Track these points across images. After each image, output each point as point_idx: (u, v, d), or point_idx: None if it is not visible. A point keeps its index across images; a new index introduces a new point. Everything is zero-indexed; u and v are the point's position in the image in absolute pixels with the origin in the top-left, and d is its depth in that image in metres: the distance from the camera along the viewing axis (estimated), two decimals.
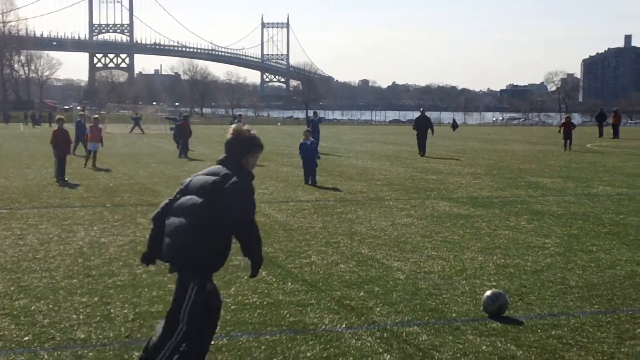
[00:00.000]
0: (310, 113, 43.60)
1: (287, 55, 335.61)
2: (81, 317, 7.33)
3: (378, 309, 7.62)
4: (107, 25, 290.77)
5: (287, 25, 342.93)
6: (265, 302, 7.86)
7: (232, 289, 8.40)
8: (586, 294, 8.23)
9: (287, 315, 7.39)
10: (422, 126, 32.80)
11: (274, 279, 8.89)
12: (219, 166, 5.74)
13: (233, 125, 5.97)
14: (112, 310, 7.54)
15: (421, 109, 36.03)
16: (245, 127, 5.92)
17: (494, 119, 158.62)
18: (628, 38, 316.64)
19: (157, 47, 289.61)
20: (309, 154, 20.03)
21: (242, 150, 5.77)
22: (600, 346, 6.50)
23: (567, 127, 37.15)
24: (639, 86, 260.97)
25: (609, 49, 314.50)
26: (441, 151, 32.49)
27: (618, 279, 9.00)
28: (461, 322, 7.17)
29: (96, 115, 29.75)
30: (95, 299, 7.98)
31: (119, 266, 9.58)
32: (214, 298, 5.75)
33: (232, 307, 7.67)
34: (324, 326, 7.08)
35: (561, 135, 37.28)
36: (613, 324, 7.15)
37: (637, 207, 15.43)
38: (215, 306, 5.76)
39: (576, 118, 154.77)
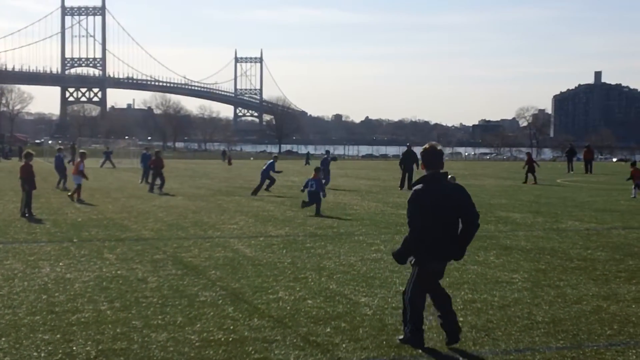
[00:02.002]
0: (323, 151, 43.75)
1: (261, 89, 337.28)
2: (42, 354, 7.21)
3: (344, 345, 7.58)
4: (80, 59, 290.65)
5: (261, 60, 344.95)
6: (230, 339, 7.78)
7: (197, 325, 8.32)
8: (552, 330, 8.25)
9: (252, 352, 7.32)
10: (408, 161, 33.23)
11: (240, 315, 8.81)
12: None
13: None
14: (74, 348, 7.43)
15: (408, 144, 36.36)
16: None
17: (466, 153, 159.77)
18: (598, 74, 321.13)
19: (130, 81, 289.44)
20: (316, 189, 21.30)
21: None
22: None
23: (530, 163, 39.52)
24: (609, 122, 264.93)
25: (579, 85, 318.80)
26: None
27: (584, 314, 9.03)
28: (427, 359, 7.14)
29: (82, 151, 29.97)
30: (58, 336, 7.86)
31: (83, 302, 9.45)
32: None
33: (197, 343, 7.59)
34: None
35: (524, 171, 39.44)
36: (578, 359, 7.16)
37: (605, 242, 15.54)
38: None
39: (547, 153, 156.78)
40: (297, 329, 8.21)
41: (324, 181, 22.72)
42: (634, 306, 9.49)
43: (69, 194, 25.51)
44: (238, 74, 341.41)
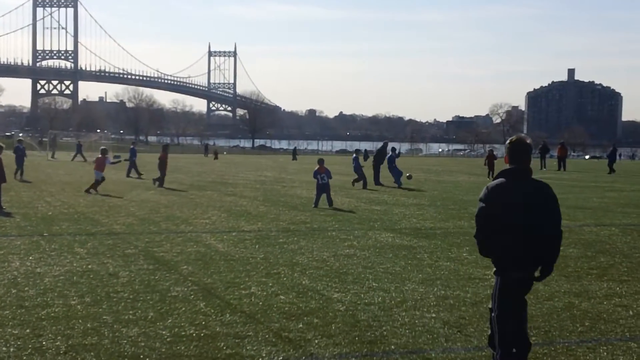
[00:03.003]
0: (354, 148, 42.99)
1: (234, 84, 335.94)
2: (12, 349, 7.11)
3: (316, 341, 7.54)
4: (52, 51, 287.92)
5: (235, 54, 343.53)
6: (202, 334, 7.72)
7: (169, 320, 8.25)
8: None
9: (224, 348, 7.26)
10: (382, 157, 33.45)
11: (212, 311, 8.75)
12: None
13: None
14: (44, 343, 7.33)
15: (385, 142, 36.47)
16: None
17: (440, 150, 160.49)
18: (571, 72, 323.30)
19: (102, 74, 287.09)
20: (327, 181, 22.15)
21: None
22: None
23: (490, 159, 41.49)
24: (582, 119, 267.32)
25: (552, 82, 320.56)
26: (387, 182, 32.61)
27: (556, 310, 9.07)
28: (399, 355, 7.13)
29: (104, 147, 30.32)
30: (27, 330, 7.76)
31: (53, 297, 9.34)
32: None
33: (168, 339, 7.53)
34: (260, 359, 6.97)
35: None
36: (550, 355, 7.19)
37: (577, 239, 15.63)
38: None
39: None
40: (269, 325, 8.16)
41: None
42: (605, 303, 9.54)
43: (90, 188, 25.74)
44: (212, 68, 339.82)
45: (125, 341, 7.43)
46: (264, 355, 7.08)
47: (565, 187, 32.86)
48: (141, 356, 6.98)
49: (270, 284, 10.37)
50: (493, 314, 6.44)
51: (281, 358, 6.99)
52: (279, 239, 14.98)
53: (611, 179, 40.42)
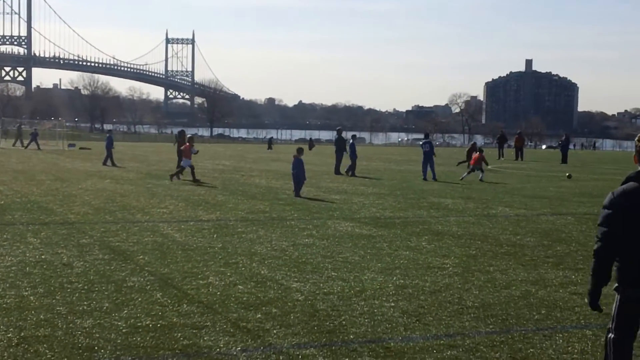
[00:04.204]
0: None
1: (192, 71, 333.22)
2: None
3: (275, 331, 7.48)
4: (4, 37, 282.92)
5: (193, 41, 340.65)
6: (158, 325, 7.60)
7: (124, 311, 8.11)
8: (482, 314, 8.30)
9: (181, 338, 7.16)
10: (340, 146, 33.46)
11: (169, 301, 8.63)
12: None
13: None
14: None
15: (338, 128, 36.31)
16: None
17: (399, 139, 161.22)
18: (529, 62, 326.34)
19: (57, 60, 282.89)
20: (298, 170, 21.95)
21: None
22: None
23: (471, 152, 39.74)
24: (539, 109, 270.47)
25: (510, 72, 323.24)
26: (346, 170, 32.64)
27: (513, 299, 9.11)
28: (358, 344, 7.10)
29: (190, 135, 30.33)
30: None
31: (5, 288, 9.13)
32: None
33: (124, 330, 7.40)
34: (218, 349, 6.88)
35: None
36: (507, 343, 7.21)
37: (534, 227, 15.77)
38: None
39: (479, 140, 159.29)
40: (227, 315, 8.07)
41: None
42: (561, 291, 9.62)
43: (174, 175, 26.50)
44: (169, 55, 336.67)
45: (79, 332, 7.29)
46: (221, 345, 7.00)
47: (522, 177, 33.21)
48: (96, 347, 6.85)
49: (229, 274, 10.28)
50: (610, 335, 5.68)
51: (239, 348, 6.91)
52: (238, 228, 14.87)
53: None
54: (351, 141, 33.08)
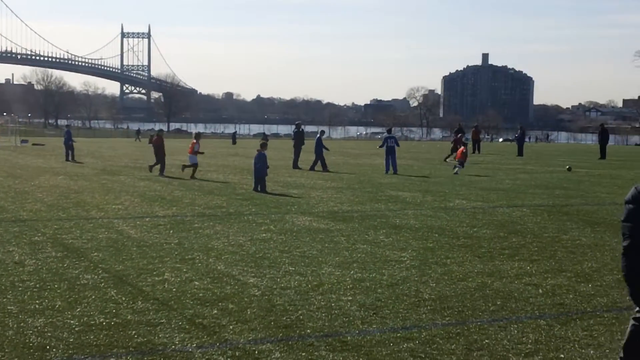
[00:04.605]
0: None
1: (148, 66, 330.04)
2: None
3: (231, 327, 7.42)
4: None
5: (149, 35, 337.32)
6: (112, 323, 7.50)
7: (78, 309, 7.99)
8: (438, 306, 8.32)
9: (135, 336, 7.07)
10: (298, 140, 33.42)
11: (124, 298, 8.51)
12: None
13: None
14: None
15: (297, 122, 36.24)
16: None
17: (358, 133, 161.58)
18: (485, 56, 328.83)
19: (9, 55, 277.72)
20: (261, 164, 21.82)
21: None
22: (449, 358, 6.56)
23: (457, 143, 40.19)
24: (495, 102, 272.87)
25: (467, 66, 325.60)
26: (305, 165, 32.60)
27: (469, 290, 9.16)
28: (315, 338, 7.07)
29: (198, 131, 30.99)
30: None
31: None
32: None
33: (77, 328, 7.29)
34: (173, 346, 6.81)
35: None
36: (462, 335, 7.24)
37: (490, 220, 15.88)
38: None
39: (436, 133, 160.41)
40: (182, 311, 7.99)
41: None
42: (516, 282, 9.69)
43: (191, 175, 26.00)
44: (125, 49, 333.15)
45: (30, 332, 7.16)
46: (176, 342, 6.92)
47: (479, 170, 33.44)
48: (47, 347, 6.73)
49: (185, 270, 10.18)
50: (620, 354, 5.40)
51: (194, 345, 6.84)
52: (194, 223, 14.75)
53: (523, 161, 41.35)
54: (317, 136, 33.11)
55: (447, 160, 38.45)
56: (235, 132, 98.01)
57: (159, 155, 27.96)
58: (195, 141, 27.55)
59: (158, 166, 27.80)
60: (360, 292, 8.98)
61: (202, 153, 28.50)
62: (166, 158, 28.60)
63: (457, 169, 30.23)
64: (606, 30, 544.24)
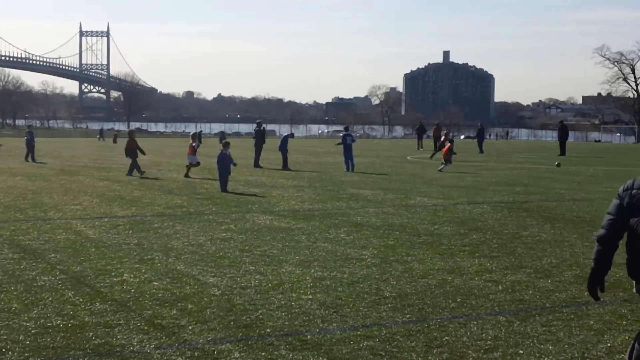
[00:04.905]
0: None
1: (108, 65, 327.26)
2: None
3: (190, 327, 7.35)
4: None
5: (107, 34, 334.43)
6: (69, 325, 7.39)
7: (34, 311, 7.86)
8: (399, 304, 8.33)
9: (93, 338, 6.97)
10: (259, 139, 33.36)
11: (81, 300, 8.40)
12: None
13: None
14: None
15: (258, 121, 36.15)
16: None
17: (320, 131, 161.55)
18: (446, 54, 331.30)
19: None
20: (224, 163, 21.58)
21: None
22: (409, 355, 6.56)
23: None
24: (457, 100, 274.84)
25: (429, 64, 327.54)
26: (265, 164, 32.53)
27: (430, 288, 9.19)
28: (275, 337, 7.03)
29: (195, 132, 31.40)
30: None
31: None
32: None
33: (33, 331, 7.16)
34: (131, 347, 6.73)
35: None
36: (423, 332, 7.25)
37: (451, 217, 15.96)
38: None
39: (398, 131, 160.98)
40: (141, 312, 7.90)
41: None
42: (476, 279, 9.74)
43: (186, 173, 26.32)
44: (83, 48, 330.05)
45: None
46: (134, 343, 6.84)
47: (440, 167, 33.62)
48: (3, 349, 6.61)
49: (144, 270, 10.08)
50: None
51: (153, 346, 6.77)
52: (154, 223, 14.61)
53: (484, 158, 41.69)
54: (284, 135, 33.27)
55: (432, 158, 38.63)
56: (201, 131, 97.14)
57: (133, 156, 27.53)
58: (192, 141, 27.80)
59: (131, 166, 27.32)
60: (320, 291, 8.96)
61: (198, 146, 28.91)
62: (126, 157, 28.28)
63: (442, 165, 30.47)
64: (565, 27, 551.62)
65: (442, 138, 41.54)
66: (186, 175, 26.06)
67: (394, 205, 18.01)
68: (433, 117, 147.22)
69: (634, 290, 5.27)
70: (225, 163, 21.76)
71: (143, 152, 28.29)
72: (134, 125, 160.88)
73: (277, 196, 19.93)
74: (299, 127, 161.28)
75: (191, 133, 30.38)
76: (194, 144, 27.41)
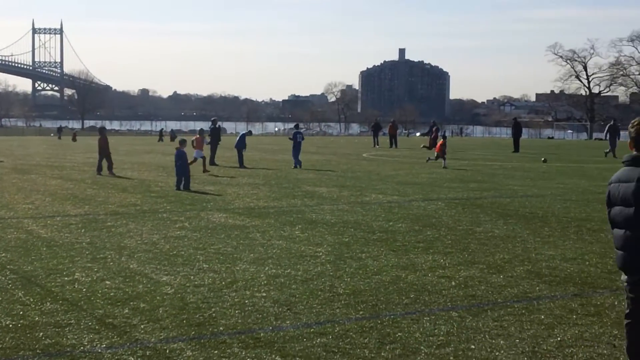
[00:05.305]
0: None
1: (61, 62, 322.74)
2: None
3: (142, 326, 7.29)
4: None
5: (61, 31, 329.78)
6: (19, 325, 7.28)
7: None
8: (353, 301, 8.35)
9: (43, 338, 6.88)
10: (215, 137, 33.29)
11: (32, 299, 8.28)
12: (630, 168, 5.47)
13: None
14: None
15: (213, 118, 35.99)
16: None
17: (276, 129, 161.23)
18: (402, 51, 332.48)
19: None
20: (182, 162, 21.35)
21: None
22: (362, 352, 6.58)
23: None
24: (412, 97, 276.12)
25: (384, 61, 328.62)
26: (221, 161, 32.38)
27: (383, 284, 9.23)
28: (228, 336, 7.01)
29: (201, 128, 31.81)
30: None
31: None
32: None
33: None
34: (82, 347, 6.65)
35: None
36: (376, 328, 7.28)
37: (406, 214, 16.04)
38: None
39: (355, 128, 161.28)
40: (92, 312, 7.82)
41: None
42: (429, 275, 9.81)
43: (203, 169, 27.26)
44: (36, 45, 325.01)
45: None
46: (85, 343, 6.76)
47: (396, 164, 33.82)
48: None
49: (96, 269, 9.97)
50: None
51: (104, 345, 6.69)
52: (107, 222, 14.46)
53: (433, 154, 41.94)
54: (242, 132, 33.29)
55: (431, 158, 38.69)
56: (162, 129, 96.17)
57: (105, 154, 27.02)
58: (199, 136, 28.93)
59: (105, 164, 26.87)
60: (274, 288, 8.94)
61: (208, 144, 30.63)
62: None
63: (444, 162, 31.24)
64: (519, 25, 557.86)
65: (433, 135, 42.53)
66: (205, 170, 27.09)
67: (349, 203, 18.06)
68: (389, 114, 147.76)
69: (622, 279, 5.58)
70: (183, 161, 21.49)
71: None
72: (89, 123, 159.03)
73: (233, 194, 19.86)
74: (255, 124, 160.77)
75: (199, 129, 31.55)
76: (203, 139, 28.82)
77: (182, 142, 22.62)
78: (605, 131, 44.98)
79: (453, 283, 9.33)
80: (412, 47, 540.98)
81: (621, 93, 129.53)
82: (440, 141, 32.61)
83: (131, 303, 8.18)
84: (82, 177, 24.99)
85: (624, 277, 5.55)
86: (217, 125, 34.29)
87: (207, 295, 8.58)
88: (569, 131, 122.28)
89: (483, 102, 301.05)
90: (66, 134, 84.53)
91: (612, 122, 40.82)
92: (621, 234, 5.46)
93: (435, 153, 32.67)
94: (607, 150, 40.57)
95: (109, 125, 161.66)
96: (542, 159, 35.86)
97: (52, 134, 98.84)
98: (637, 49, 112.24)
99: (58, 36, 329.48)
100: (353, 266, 10.34)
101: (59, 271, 9.83)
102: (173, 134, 74.57)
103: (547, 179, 25.43)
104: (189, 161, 26.39)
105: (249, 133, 34.88)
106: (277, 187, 22.05)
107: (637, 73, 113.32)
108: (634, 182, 5.33)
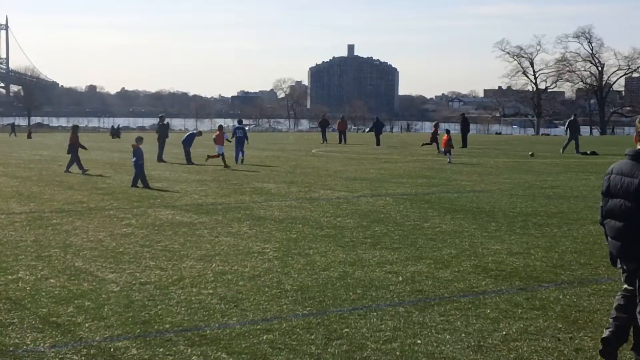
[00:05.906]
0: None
1: (7, 58, 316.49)
2: None
3: (87, 325, 7.20)
4: None
5: (6, 26, 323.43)
6: None
7: None
8: (300, 297, 8.36)
9: None
10: (162, 133, 33.10)
11: None
12: (633, 163, 5.76)
13: None
14: None
15: (160, 115, 35.75)
16: None
17: (225, 125, 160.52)
18: (351, 48, 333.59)
19: None
20: (138, 158, 21.12)
21: None
22: (308, 348, 6.59)
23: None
24: (361, 93, 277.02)
25: (333, 57, 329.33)
26: (169, 158, 32.12)
27: (331, 280, 9.25)
28: (173, 333, 6.96)
29: (220, 124, 34.33)
30: None
31: None
32: None
33: None
34: (25, 347, 6.55)
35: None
36: (323, 324, 7.30)
37: (354, 209, 16.10)
38: None
39: (304, 124, 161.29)
40: (36, 310, 7.70)
41: None
42: (377, 270, 9.86)
43: (224, 165, 28.40)
44: None
45: None
46: (28, 342, 6.66)
47: (344, 160, 33.93)
48: None
49: (40, 268, 9.82)
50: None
51: (47, 344, 6.60)
52: (53, 220, 14.25)
53: (388, 151, 42.22)
54: (191, 131, 33.26)
55: (439, 152, 38.70)
56: (118, 125, 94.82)
57: (74, 152, 26.50)
58: (219, 132, 30.64)
59: (70, 162, 26.34)
60: (221, 285, 8.91)
61: (229, 141, 31.46)
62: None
63: (449, 157, 31.77)
64: (467, 21, 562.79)
65: (433, 130, 43.01)
66: (225, 166, 28.24)
67: (298, 199, 18.07)
68: (339, 110, 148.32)
69: (618, 267, 6.05)
70: (139, 157, 21.17)
71: (84, 147, 27.52)
72: (35, 120, 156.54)
73: (180, 190, 19.72)
74: (204, 121, 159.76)
75: (218, 125, 34.09)
76: (223, 135, 30.29)
77: (139, 140, 22.33)
78: (565, 126, 45.40)
79: (400, 278, 9.40)
80: (361, 43, 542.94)
81: (567, 89, 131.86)
82: (445, 136, 33.11)
83: (76, 301, 8.08)
84: (27, 175, 24.59)
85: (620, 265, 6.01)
86: (164, 122, 34.03)
87: (153, 292, 8.51)
88: (514, 126, 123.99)
89: (432, 98, 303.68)
90: (21, 131, 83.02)
91: (572, 118, 41.09)
92: (619, 225, 5.80)
93: (442, 148, 33.70)
94: (565, 144, 40.64)
95: (56, 122, 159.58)
96: (530, 153, 37.57)
97: (8, 134, 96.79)
98: (582, 45, 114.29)
99: (3, 32, 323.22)
100: (300, 262, 10.35)
101: (2, 270, 9.66)
102: (114, 131, 73.97)
103: (494, 174, 25.74)
104: (211, 156, 28.98)
105: (199, 134, 34.70)
106: (225, 183, 21.96)
107: (583, 69, 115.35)
108: (638, 178, 5.65)
